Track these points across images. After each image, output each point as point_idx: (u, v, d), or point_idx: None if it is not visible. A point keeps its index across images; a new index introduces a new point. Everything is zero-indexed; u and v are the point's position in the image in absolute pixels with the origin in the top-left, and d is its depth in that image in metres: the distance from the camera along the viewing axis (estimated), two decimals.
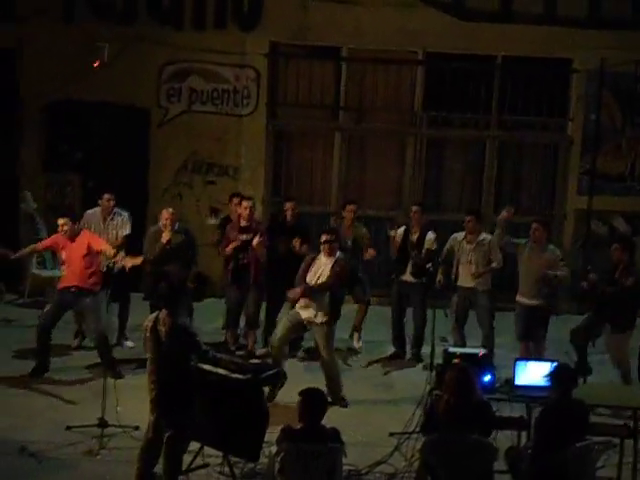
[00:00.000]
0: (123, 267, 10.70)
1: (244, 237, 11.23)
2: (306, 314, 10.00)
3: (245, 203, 11.38)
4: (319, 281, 9.97)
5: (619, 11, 14.05)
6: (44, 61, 13.74)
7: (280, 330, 10.15)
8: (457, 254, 11.23)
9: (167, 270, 10.57)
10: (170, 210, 11.05)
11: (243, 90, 14.22)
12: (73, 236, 10.46)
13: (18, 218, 13.82)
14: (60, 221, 10.46)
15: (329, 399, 9.83)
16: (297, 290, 9.98)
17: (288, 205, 11.74)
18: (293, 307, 10.31)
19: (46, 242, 10.94)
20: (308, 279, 10.01)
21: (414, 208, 11.71)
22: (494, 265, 11.12)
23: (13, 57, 13.92)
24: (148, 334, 7.91)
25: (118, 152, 13.91)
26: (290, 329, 10.12)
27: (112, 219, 11.44)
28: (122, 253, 10.82)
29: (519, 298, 10.95)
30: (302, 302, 10.01)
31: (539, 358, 10.34)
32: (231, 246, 11.19)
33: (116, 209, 11.48)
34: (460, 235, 11.31)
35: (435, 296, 10.80)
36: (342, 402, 10.03)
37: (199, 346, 7.96)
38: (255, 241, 11.07)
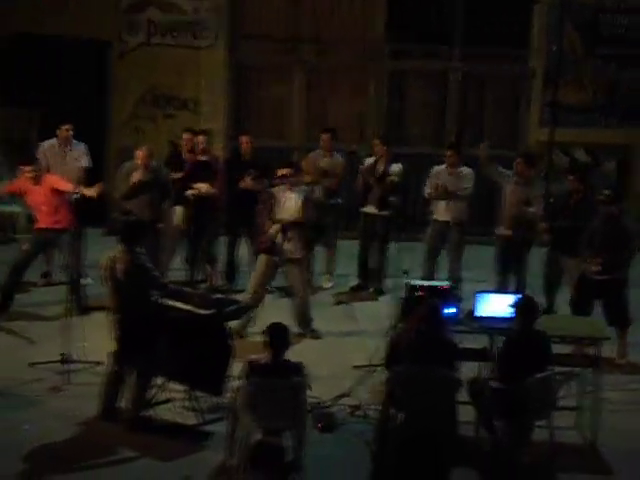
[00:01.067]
0: (81, 198, 10.57)
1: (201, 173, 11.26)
2: (279, 250, 9.95)
3: (201, 138, 11.35)
4: (292, 216, 9.93)
5: None
6: None
7: (257, 276, 10.04)
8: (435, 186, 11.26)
9: (129, 208, 10.48)
10: (144, 149, 10.83)
11: (202, 22, 14.02)
12: (37, 180, 10.36)
13: None
14: (25, 168, 10.33)
15: (301, 331, 9.98)
16: (276, 227, 9.91)
17: (243, 139, 11.64)
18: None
19: (10, 187, 10.76)
20: (279, 216, 9.95)
21: (376, 141, 11.70)
22: (460, 192, 11.18)
23: None
24: (106, 272, 7.90)
25: (78, 85, 13.70)
26: (266, 274, 10.07)
27: (71, 150, 11.30)
28: (81, 187, 10.69)
29: (500, 231, 11.03)
30: (271, 239, 9.96)
31: (501, 289, 10.47)
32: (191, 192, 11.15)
33: (74, 141, 11.35)
34: (440, 168, 11.36)
35: (400, 229, 10.86)
36: (313, 333, 10.12)
37: (157, 281, 7.96)
38: (203, 189, 11.10)
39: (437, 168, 11.44)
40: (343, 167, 11.91)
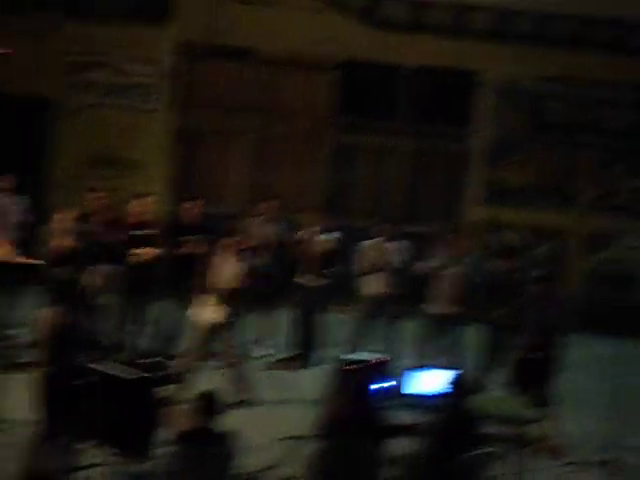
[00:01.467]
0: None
1: (138, 233, 11.20)
2: (214, 316, 9.95)
3: (136, 202, 11.34)
4: (227, 283, 9.94)
5: (520, 25, 14.29)
6: None
7: (192, 341, 10.08)
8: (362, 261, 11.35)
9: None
10: (67, 213, 10.75)
11: (149, 86, 14.07)
12: None
13: None
14: None
15: (237, 399, 9.92)
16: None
17: (189, 204, 11.64)
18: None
19: None
20: (212, 279, 9.96)
21: (311, 213, 11.84)
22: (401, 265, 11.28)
23: None
24: (41, 329, 7.84)
25: (19, 144, 13.62)
26: (207, 337, 10.05)
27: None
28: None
29: (433, 309, 11.14)
30: (207, 305, 9.96)
31: (432, 366, 10.50)
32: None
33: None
34: (372, 242, 11.44)
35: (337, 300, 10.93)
36: (246, 404, 10.06)
37: (84, 342, 7.90)
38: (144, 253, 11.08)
39: (368, 242, 11.50)
40: (276, 236, 11.99)
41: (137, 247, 11.13)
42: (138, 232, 11.20)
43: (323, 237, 11.71)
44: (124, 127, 14.05)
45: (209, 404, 7.12)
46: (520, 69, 14.21)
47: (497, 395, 10.04)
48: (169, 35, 13.95)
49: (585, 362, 12.29)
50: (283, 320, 12.37)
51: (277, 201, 12.15)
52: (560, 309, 10.06)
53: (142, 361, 8.93)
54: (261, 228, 11.91)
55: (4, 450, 8.34)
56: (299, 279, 11.67)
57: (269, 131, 14.51)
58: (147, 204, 11.41)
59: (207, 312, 9.97)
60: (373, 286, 11.36)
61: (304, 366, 11.66)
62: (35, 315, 7.97)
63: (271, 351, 12.05)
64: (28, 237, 10.98)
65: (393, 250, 11.36)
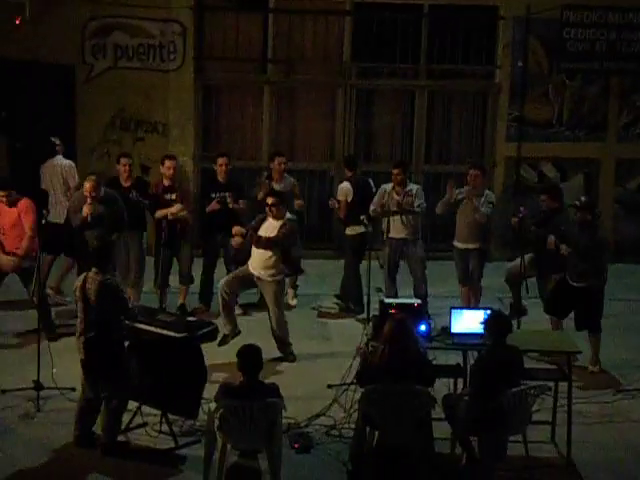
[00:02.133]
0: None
1: (168, 197, 11.22)
2: (256, 271, 9.99)
3: (168, 163, 11.31)
4: (265, 234, 9.99)
5: None
6: None
7: (230, 276, 10.21)
8: (387, 205, 11.31)
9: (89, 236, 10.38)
10: (92, 180, 10.64)
11: (169, 45, 14.02)
12: (11, 203, 10.32)
13: None
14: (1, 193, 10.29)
15: (279, 354, 9.98)
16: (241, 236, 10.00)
17: (220, 161, 11.63)
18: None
19: None
20: (249, 232, 10.11)
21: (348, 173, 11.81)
22: (416, 209, 11.21)
23: None
24: (77, 294, 7.91)
25: (44, 111, 13.65)
26: (239, 278, 10.13)
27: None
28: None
29: (456, 243, 11.16)
30: (253, 260, 10.00)
31: (475, 306, 10.53)
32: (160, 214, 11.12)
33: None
34: (389, 186, 11.38)
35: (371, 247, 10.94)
36: (291, 356, 10.13)
37: (125, 305, 7.95)
38: (173, 210, 11.08)
39: (385, 186, 11.45)
40: (297, 187, 12.00)
41: (168, 207, 11.16)
42: (168, 192, 11.24)
43: (350, 185, 11.65)
44: (147, 88, 14.01)
45: (252, 358, 7.17)
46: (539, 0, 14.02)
47: (539, 328, 10.05)
48: None
49: (623, 290, 12.29)
50: (323, 269, 12.43)
51: (285, 155, 12.12)
52: (600, 237, 10.04)
53: (184, 319, 9.03)
54: (287, 180, 11.88)
55: (56, 415, 8.47)
56: (337, 228, 11.70)
57: (287, 81, 14.42)
58: (175, 163, 11.40)
59: (257, 267, 9.99)
60: (399, 231, 11.33)
61: (347, 314, 11.69)
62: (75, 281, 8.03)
63: (309, 300, 12.09)
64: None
65: (408, 194, 11.28)
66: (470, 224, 10.96)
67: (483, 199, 10.99)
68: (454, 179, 11.48)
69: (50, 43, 13.55)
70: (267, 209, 10.05)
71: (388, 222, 11.30)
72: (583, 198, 10.18)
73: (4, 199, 10.29)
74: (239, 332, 10.03)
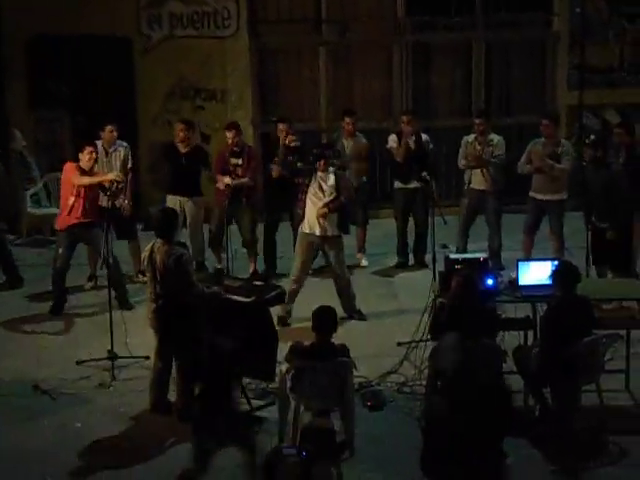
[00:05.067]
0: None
1: (234, 161, 11.27)
2: (319, 230, 9.97)
3: (228, 134, 11.33)
4: (329, 198, 9.96)
5: None
6: None
7: (298, 263, 10.07)
8: (469, 155, 11.29)
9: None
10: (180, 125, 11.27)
11: (223, 11, 14.02)
12: (90, 168, 10.38)
13: (8, 157, 13.72)
14: (88, 149, 10.31)
15: (345, 313, 10.00)
16: (324, 210, 9.92)
17: (281, 127, 11.62)
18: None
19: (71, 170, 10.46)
20: (320, 198, 9.96)
21: (405, 118, 11.69)
22: (496, 160, 11.17)
23: None
24: (145, 263, 7.99)
25: (104, 84, 13.76)
26: (307, 259, 10.11)
27: (114, 150, 11.33)
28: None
29: (532, 194, 11.07)
30: (314, 219, 9.97)
31: (540, 257, 10.45)
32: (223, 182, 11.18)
33: (117, 141, 11.38)
34: (471, 137, 11.38)
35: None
36: (359, 315, 10.14)
37: (190, 280, 7.98)
38: (244, 181, 11.22)
39: (467, 137, 11.46)
40: (367, 149, 11.94)
41: (231, 174, 11.22)
42: (234, 157, 11.29)
43: (414, 140, 11.62)
44: (204, 55, 14.04)
45: (327, 319, 7.21)
46: None
47: (606, 278, 9.95)
48: None
49: None
50: (387, 228, 12.41)
51: (359, 110, 12.06)
52: (612, 173, 9.96)
53: (253, 283, 9.09)
54: (358, 140, 11.85)
55: (131, 384, 8.62)
56: (405, 184, 11.67)
57: (342, 41, 14.34)
58: (236, 133, 11.41)
59: (320, 227, 9.98)
60: (475, 182, 11.30)
61: (413, 271, 11.67)
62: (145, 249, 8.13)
63: (375, 260, 12.10)
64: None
65: (490, 144, 11.23)
66: (549, 175, 10.86)
67: (560, 149, 10.88)
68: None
69: (106, 16, 13.62)
70: (317, 162, 9.97)
71: (470, 173, 11.29)
72: (592, 136, 10.10)
73: (95, 157, 10.36)
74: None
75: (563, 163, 10.84)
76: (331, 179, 9.97)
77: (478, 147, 11.27)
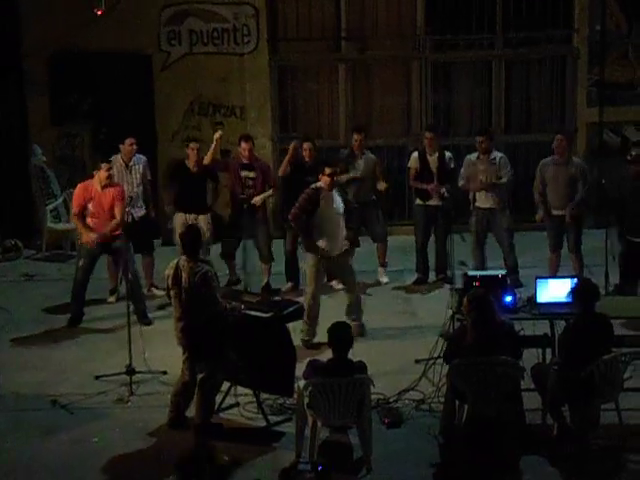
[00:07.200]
0: (142, 217, 11.18)
1: (245, 174, 11.37)
2: (338, 248, 9.91)
3: (244, 144, 11.37)
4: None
5: None
6: (45, 11, 13.64)
7: (312, 285, 9.94)
8: (472, 175, 11.26)
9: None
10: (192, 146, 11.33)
11: (242, 28, 14.09)
12: (109, 183, 10.48)
13: (28, 172, 13.81)
14: (105, 166, 10.42)
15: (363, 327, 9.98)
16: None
17: (305, 145, 11.59)
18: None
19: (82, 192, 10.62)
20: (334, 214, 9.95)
21: (428, 135, 11.67)
22: (502, 180, 11.14)
23: (14, 9, 13.79)
24: (170, 281, 7.99)
25: (124, 100, 13.84)
26: (320, 278, 10.06)
27: (134, 164, 11.41)
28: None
29: (553, 212, 11.03)
30: (333, 241, 9.92)
31: (557, 274, 10.43)
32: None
33: (137, 155, 11.48)
34: (473, 156, 11.33)
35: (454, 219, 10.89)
36: (361, 328, 10.03)
37: (214, 298, 7.98)
38: (258, 199, 11.29)
39: (470, 157, 11.41)
40: (378, 165, 11.91)
41: (249, 189, 11.27)
42: (246, 169, 11.33)
43: (417, 154, 11.63)
44: (223, 72, 14.11)
45: (342, 335, 7.21)
46: None
47: (627, 297, 9.91)
48: None
49: None
50: (404, 244, 12.39)
51: (365, 131, 12.00)
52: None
53: (269, 299, 9.10)
54: (367, 157, 11.85)
55: (149, 399, 8.62)
56: (427, 201, 11.65)
57: (361, 58, 14.38)
58: (251, 145, 11.45)
59: (334, 243, 9.94)
60: (480, 200, 11.28)
61: (432, 288, 11.66)
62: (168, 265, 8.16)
63: (394, 277, 12.08)
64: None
65: (493, 163, 11.22)
66: (563, 192, 10.85)
67: (574, 169, 10.86)
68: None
69: (126, 33, 13.71)
70: (324, 178, 9.90)
71: (475, 192, 11.29)
72: (633, 152, 10.09)
73: (112, 172, 10.51)
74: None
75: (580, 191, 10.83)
76: (336, 196, 9.97)
77: (481, 167, 11.22)
